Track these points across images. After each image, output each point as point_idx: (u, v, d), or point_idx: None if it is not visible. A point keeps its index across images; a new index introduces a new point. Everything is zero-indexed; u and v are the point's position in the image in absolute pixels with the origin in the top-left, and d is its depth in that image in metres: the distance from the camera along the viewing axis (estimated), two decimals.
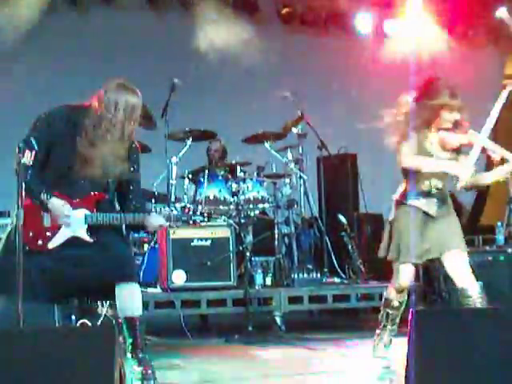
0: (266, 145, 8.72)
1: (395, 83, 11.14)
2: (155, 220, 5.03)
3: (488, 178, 5.47)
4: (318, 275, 8.38)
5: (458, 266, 5.47)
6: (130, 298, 4.88)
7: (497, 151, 5.31)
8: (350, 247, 8.74)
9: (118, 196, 5.15)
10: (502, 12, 8.68)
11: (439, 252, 5.53)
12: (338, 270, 8.80)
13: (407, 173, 5.55)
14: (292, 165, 8.77)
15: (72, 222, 4.86)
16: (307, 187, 8.95)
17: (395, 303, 5.79)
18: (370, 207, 10.07)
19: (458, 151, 5.49)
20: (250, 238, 8.31)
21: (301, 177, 8.84)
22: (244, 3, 10.47)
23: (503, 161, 5.31)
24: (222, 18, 10.35)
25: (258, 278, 8.06)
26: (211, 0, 10.28)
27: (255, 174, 8.63)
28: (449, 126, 5.43)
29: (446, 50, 11.63)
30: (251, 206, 8.40)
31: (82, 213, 4.89)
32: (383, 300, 5.94)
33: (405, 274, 5.61)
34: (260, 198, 8.47)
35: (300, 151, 8.89)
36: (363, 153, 10.41)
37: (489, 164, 5.58)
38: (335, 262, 8.80)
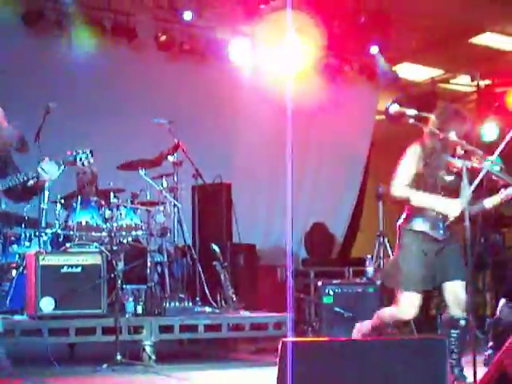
0: (141, 172, 8.65)
1: (270, 113, 11.41)
2: (49, 165, 4.96)
3: (490, 202, 5.55)
4: (190, 304, 8.33)
5: (459, 298, 5.53)
6: None
7: (500, 176, 5.41)
8: (222, 277, 8.72)
9: None
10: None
11: (444, 279, 5.57)
12: (210, 299, 8.78)
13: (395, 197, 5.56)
14: (167, 193, 8.72)
15: None
16: (181, 215, 8.91)
17: (388, 329, 5.81)
18: (243, 237, 10.11)
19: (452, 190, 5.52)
20: (121, 266, 8.20)
21: (175, 205, 8.79)
22: (122, 29, 10.39)
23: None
24: (100, 43, 10.26)
25: (129, 307, 7.96)
26: (89, 25, 10.17)
27: (129, 200, 8.55)
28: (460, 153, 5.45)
29: (320, 84, 11.89)
30: (124, 233, 8.30)
31: None
32: (379, 318, 5.81)
33: (407, 305, 5.58)
34: (133, 225, 8.39)
35: (175, 179, 8.85)
36: (238, 182, 10.48)
37: (492, 188, 5.67)
38: (207, 292, 8.78)
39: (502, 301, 6.96)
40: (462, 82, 13.70)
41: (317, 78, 11.93)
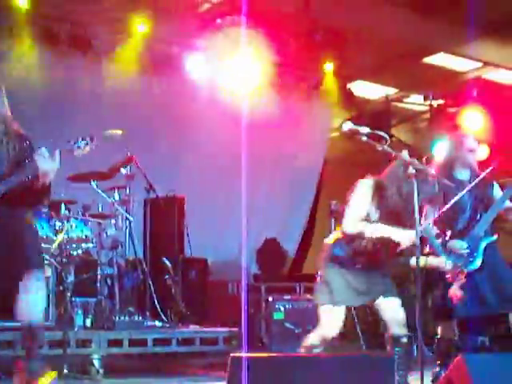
0: (93, 184, 8.58)
1: (224, 127, 11.42)
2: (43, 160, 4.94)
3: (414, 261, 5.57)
4: (140, 318, 8.28)
5: (397, 315, 5.56)
6: None
7: (433, 243, 5.52)
8: (173, 290, 8.69)
9: None
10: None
11: (374, 297, 5.59)
12: (160, 313, 8.73)
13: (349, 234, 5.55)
14: (118, 205, 8.66)
15: None
16: (133, 228, 8.86)
17: (318, 350, 5.65)
18: (195, 251, 10.08)
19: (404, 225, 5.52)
20: (71, 278, 8.10)
21: (127, 218, 8.74)
22: (78, 40, 10.33)
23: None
24: (55, 53, 10.19)
25: (78, 320, 7.89)
26: (44, 37, 10.11)
27: (80, 213, 8.47)
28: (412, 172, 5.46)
29: (275, 100, 11.93)
30: (74, 245, 8.21)
31: None
32: (306, 346, 5.75)
33: (332, 321, 5.58)
34: (84, 237, 8.31)
35: (127, 192, 8.80)
36: (191, 196, 10.45)
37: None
38: (157, 306, 8.73)
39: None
40: (416, 101, 13.84)
41: (272, 93, 11.97)
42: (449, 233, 6.52)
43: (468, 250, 6.40)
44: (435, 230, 6.08)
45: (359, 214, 5.46)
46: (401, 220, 5.47)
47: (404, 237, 5.35)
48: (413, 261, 5.48)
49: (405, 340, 5.51)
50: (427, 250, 5.80)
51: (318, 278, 5.73)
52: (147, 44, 10.86)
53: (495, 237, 6.58)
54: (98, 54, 10.49)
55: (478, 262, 6.41)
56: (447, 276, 5.92)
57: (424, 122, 13.80)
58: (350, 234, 5.52)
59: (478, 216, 6.55)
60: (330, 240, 5.73)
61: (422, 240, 5.53)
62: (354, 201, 5.53)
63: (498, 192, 6.67)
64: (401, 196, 5.44)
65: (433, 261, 5.56)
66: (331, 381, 4.44)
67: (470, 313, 6.55)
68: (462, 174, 6.60)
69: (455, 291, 5.99)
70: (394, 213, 5.47)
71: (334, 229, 7.01)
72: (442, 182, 5.88)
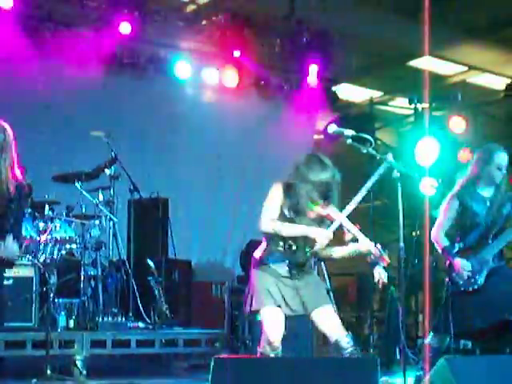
0: (77, 184, 8.56)
1: (210, 128, 11.42)
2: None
3: (338, 252, 5.59)
4: (123, 319, 8.27)
5: (330, 321, 5.51)
6: None
7: (351, 229, 5.44)
8: (156, 292, 8.67)
9: None
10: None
11: (306, 310, 5.53)
12: (144, 314, 8.71)
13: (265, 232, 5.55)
14: (102, 206, 8.64)
15: None
16: (117, 229, 8.84)
17: None
18: (179, 253, 10.06)
19: (319, 221, 5.53)
20: (54, 279, 8.07)
21: (111, 219, 8.72)
22: (62, 41, 10.29)
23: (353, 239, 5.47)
24: (39, 53, 10.15)
25: (61, 320, 7.87)
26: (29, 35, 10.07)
27: (64, 213, 8.44)
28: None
29: (260, 101, 11.95)
30: (58, 246, 8.20)
31: None
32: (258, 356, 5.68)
33: (274, 324, 5.50)
34: (67, 238, 8.29)
35: (111, 193, 8.78)
36: (176, 198, 10.43)
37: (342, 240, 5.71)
38: (141, 307, 8.71)
39: (431, 334, 6.98)
40: (400, 105, 13.88)
41: (257, 95, 11.99)
42: (459, 244, 6.51)
43: (470, 273, 6.40)
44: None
45: (272, 214, 5.48)
46: (306, 218, 5.49)
47: (320, 233, 5.35)
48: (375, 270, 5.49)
49: (348, 341, 5.47)
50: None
51: (248, 287, 5.68)
52: (133, 45, 10.84)
53: (503, 263, 6.53)
54: (82, 54, 10.45)
55: (478, 285, 6.41)
56: (371, 257, 5.77)
57: (408, 125, 13.83)
58: (266, 233, 5.52)
59: (491, 236, 6.46)
60: (258, 249, 5.71)
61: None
62: (266, 202, 5.57)
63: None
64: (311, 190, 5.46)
65: (357, 247, 5.50)
66: (315, 383, 4.45)
67: (488, 323, 6.45)
68: (486, 190, 6.48)
69: (380, 272, 5.90)
70: (303, 212, 5.48)
71: None
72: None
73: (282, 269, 5.53)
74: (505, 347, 6.67)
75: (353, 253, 5.47)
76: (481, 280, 6.39)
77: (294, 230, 5.42)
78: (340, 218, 5.41)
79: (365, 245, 5.36)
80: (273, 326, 5.48)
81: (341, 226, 5.45)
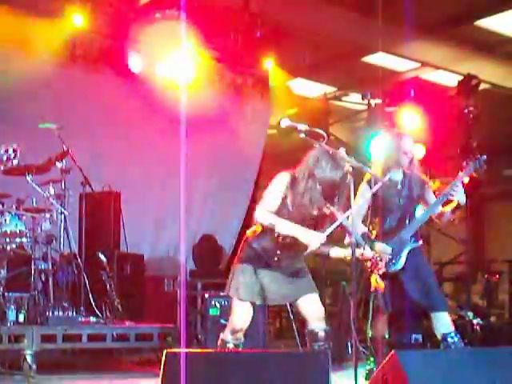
0: (28, 178, 8.45)
1: (163, 122, 11.37)
2: None
3: (335, 252, 5.60)
4: (74, 314, 8.20)
5: (315, 310, 5.57)
6: None
7: (353, 232, 5.45)
8: (108, 286, 8.62)
9: None
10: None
11: (293, 297, 5.60)
12: (95, 308, 8.65)
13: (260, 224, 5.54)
14: (54, 200, 8.55)
15: None
16: (68, 223, 8.76)
17: (230, 345, 5.63)
18: (131, 247, 10.01)
19: (321, 219, 5.53)
20: (4, 273, 8.00)
21: (62, 212, 8.63)
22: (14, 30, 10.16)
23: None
24: None
25: (11, 315, 7.78)
26: None
27: (14, 207, 8.33)
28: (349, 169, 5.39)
29: (214, 95, 11.91)
30: (8, 239, 8.09)
31: None
32: (219, 342, 5.75)
33: (241, 314, 5.57)
34: (18, 231, 8.19)
35: (63, 186, 8.69)
36: (128, 191, 10.37)
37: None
38: (92, 301, 8.64)
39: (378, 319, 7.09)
40: (354, 100, 13.94)
41: (211, 89, 11.94)
42: (375, 231, 6.63)
43: (391, 255, 6.51)
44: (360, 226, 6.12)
45: (271, 205, 5.46)
46: (307, 214, 5.50)
47: (312, 239, 5.35)
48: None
49: (323, 334, 5.52)
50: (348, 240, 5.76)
51: (232, 269, 5.72)
52: (85, 36, 10.73)
53: (420, 242, 6.74)
54: (34, 45, 10.33)
55: (399, 265, 6.53)
56: (368, 264, 5.90)
57: (362, 120, 13.90)
58: (261, 224, 5.52)
59: (407, 218, 6.67)
60: (249, 233, 5.72)
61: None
62: (268, 191, 5.54)
63: (430, 195, 6.75)
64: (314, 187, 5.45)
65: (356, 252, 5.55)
66: (266, 377, 4.45)
67: (398, 306, 6.67)
68: (395, 175, 6.67)
69: (376, 281, 6.02)
70: (304, 207, 5.48)
71: None
72: (377, 181, 5.94)
73: (269, 257, 5.56)
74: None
75: (349, 257, 5.48)
76: (401, 260, 6.53)
77: (289, 229, 5.40)
78: (344, 219, 5.42)
79: (364, 253, 5.43)
80: (240, 317, 5.57)
81: (343, 228, 5.47)
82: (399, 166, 6.67)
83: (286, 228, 5.41)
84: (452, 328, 6.44)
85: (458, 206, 6.61)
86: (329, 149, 5.42)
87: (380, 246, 6.49)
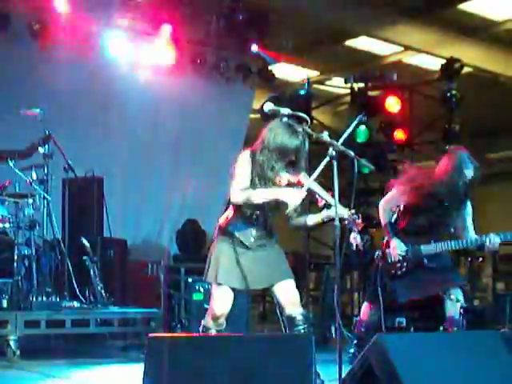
0: (10, 163, 8.41)
1: (145, 107, 11.32)
2: None
3: (312, 219, 5.57)
4: (58, 299, 8.19)
5: (291, 296, 5.55)
6: None
7: (322, 195, 5.42)
8: (91, 271, 8.61)
9: None
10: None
11: (268, 282, 5.57)
12: (79, 294, 8.64)
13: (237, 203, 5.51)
14: (36, 185, 8.51)
15: None
16: (51, 208, 8.72)
17: (213, 331, 5.61)
18: (114, 232, 9.99)
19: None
20: None
21: (45, 197, 8.60)
22: None
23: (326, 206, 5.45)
24: None
25: None
26: None
27: None
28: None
29: (196, 79, 11.87)
30: None
31: None
32: (201, 328, 5.72)
33: (221, 299, 5.54)
34: (0, 217, 8.16)
35: (45, 171, 8.65)
36: (111, 177, 10.34)
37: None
38: (76, 286, 8.63)
39: (365, 304, 7.13)
40: (336, 84, 13.94)
41: (193, 73, 11.90)
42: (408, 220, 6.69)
43: (401, 257, 6.54)
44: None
45: (242, 184, 5.45)
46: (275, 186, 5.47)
47: (291, 194, 5.34)
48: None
49: (301, 318, 5.52)
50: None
51: (208, 256, 5.69)
52: (67, 21, 10.64)
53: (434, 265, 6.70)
54: (17, 30, 10.26)
55: (402, 272, 6.57)
56: (345, 223, 5.79)
57: (344, 104, 13.91)
58: (237, 204, 5.50)
59: (442, 224, 6.68)
60: (221, 220, 5.70)
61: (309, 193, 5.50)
62: (234, 173, 5.53)
63: (469, 211, 6.77)
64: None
65: (330, 213, 5.50)
66: (251, 361, 4.46)
67: (411, 296, 6.78)
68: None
69: (355, 239, 5.93)
70: (269, 178, 5.45)
71: None
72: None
73: (246, 237, 5.53)
74: (438, 324, 6.83)
75: (326, 219, 5.46)
76: (405, 269, 6.59)
77: (266, 194, 5.37)
78: (311, 183, 5.39)
79: (338, 210, 5.35)
80: (220, 303, 5.54)
81: (312, 193, 5.44)
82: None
83: (263, 194, 5.38)
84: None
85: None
86: (285, 120, 5.41)
87: (398, 242, 6.58)
